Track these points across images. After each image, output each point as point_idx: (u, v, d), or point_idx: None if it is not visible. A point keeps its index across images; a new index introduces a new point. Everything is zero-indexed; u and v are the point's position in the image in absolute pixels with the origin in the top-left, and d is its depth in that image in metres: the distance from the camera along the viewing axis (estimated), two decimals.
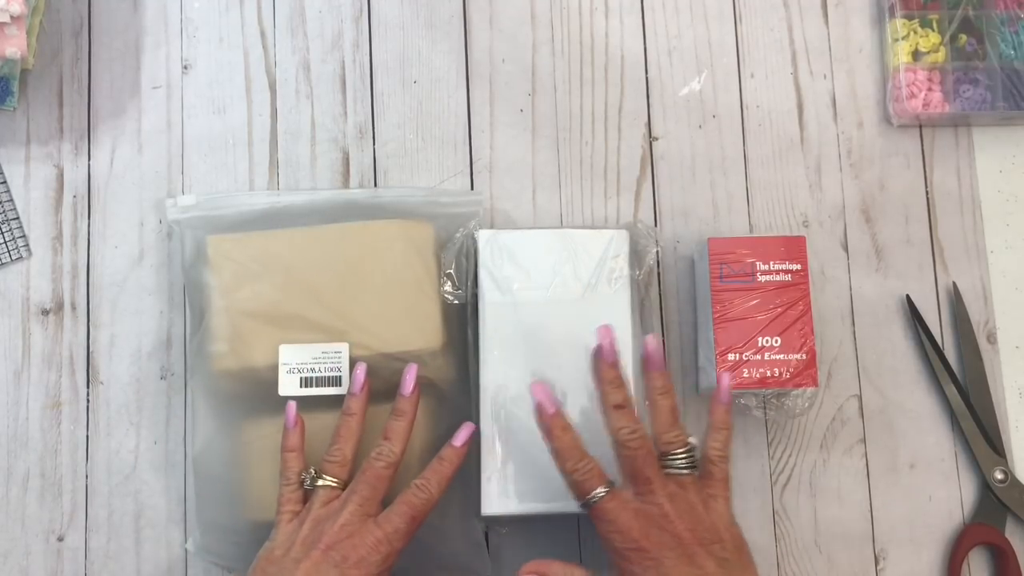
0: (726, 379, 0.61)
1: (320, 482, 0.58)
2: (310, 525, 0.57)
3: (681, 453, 0.56)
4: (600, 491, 0.55)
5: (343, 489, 0.58)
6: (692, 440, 0.57)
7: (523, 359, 0.64)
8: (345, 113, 0.72)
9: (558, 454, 0.57)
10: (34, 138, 0.71)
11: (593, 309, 0.64)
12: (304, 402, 0.63)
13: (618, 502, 0.55)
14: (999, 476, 0.67)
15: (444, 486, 0.58)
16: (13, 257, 0.69)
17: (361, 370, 0.61)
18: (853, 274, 0.71)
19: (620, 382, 0.57)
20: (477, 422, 0.64)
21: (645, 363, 0.59)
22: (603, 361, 0.58)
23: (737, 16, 0.74)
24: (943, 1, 0.72)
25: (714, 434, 0.58)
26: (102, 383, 0.68)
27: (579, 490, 0.56)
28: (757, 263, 0.65)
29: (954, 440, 0.69)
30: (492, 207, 0.71)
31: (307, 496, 0.59)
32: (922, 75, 0.71)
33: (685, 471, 0.56)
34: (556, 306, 0.65)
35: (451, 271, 0.66)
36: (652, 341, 0.58)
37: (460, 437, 0.60)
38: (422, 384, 0.64)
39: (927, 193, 0.72)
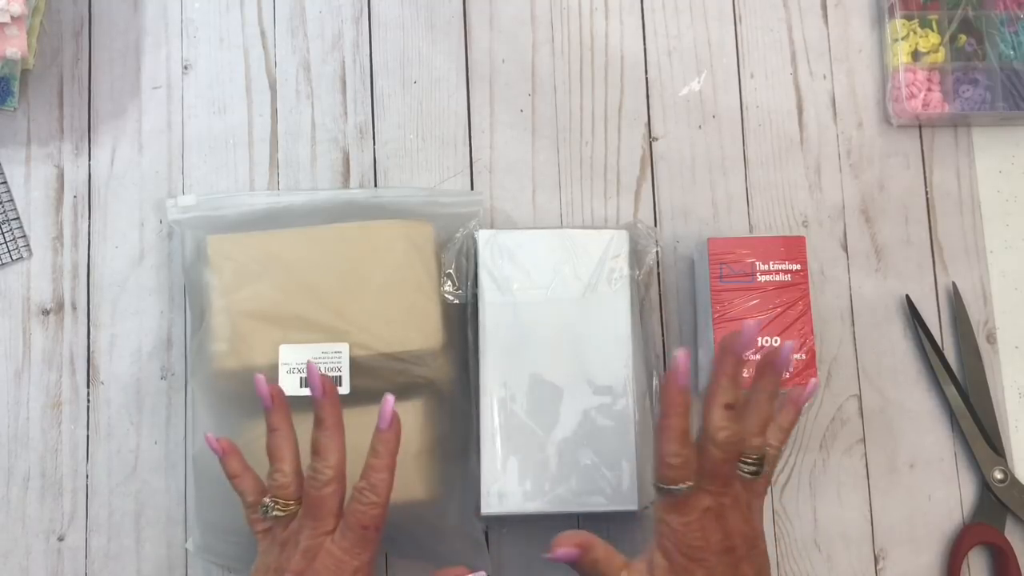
0: (812, 383, 0.59)
1: (275, 513, 0.55)
2: (279, 548, 0.55)
3: (755, 457, 0.54)
4: (687, 485, 0.52)
5: (300, 504, 0.55)
6: (769, 447, 0.56)
7: (523, 359, 0.64)
8: (345, 113, 0.72)
9: (666, 432, 0.53)
10: (34, 138, 0.71)
11: (593, 309, 0.64)
12: (304, 402, 0.63)
13: (696, 499, 0.52)
14: (999, 476, 0.67)
15: (389, 479, 0.54)
16: (13, 257, 0.69)
17: (263, 385, 0.56)
18: (853, 274, 0.71)
19: (739, 382, 0.53)
20: (477, 422, 0.64)
21: (772, 364, 0.55)
22: (732, 354, 0.53)
23: (737, 16, 0.74)
24: (943, 1, 0.72)
25: (780, 434, 0.57)
26: (102, 383, 0.68)
27: (667, 476, 0.52)
28: (757, 263, 0.65)
29: (954, 440, 0.69)
30: (492, 207, 0.71)
31: None
32: (922, 75, 0.71)
33: (748, 476, 0.54)
34: (556, 306, 0.65)
35: (451, 271, 0.66)
36: (786, 346, 0.55)
37: (383, 419, 0.54)
38: (422, 384, 0.64)
39: (927, 193, 0.72)
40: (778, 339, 0.64)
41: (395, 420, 0.54)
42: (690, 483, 0.52)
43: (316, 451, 0.54)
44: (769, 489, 0.67)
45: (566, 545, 0.54)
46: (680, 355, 0.53)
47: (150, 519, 0.67)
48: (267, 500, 0.55)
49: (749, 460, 0.54)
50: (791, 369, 0.56)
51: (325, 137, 0.72)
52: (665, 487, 0.53)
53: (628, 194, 0.71)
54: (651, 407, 0.66)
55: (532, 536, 0.66)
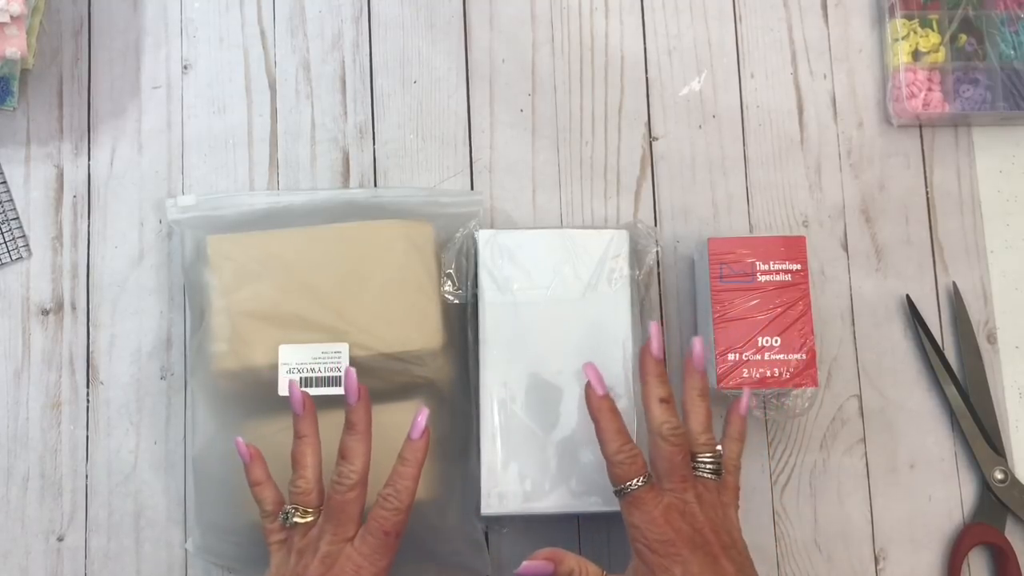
0: (747, 394, 0.61)
1: (295, 519, 0.56)
2: (295, 557, 0.55)
3: (710, 457, 0.56)
4: (640, 480, 0.54)
5: (319, 513, 0.56)
6: (719, 447, 0.58)
7: (523, 359, 0.64)
8: (345, 113, 0.72)
9: (603, 435, 0.56)
10: (34, 138, 0.71)
11: (593, 309, 0.64)
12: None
13: (654, 493, 0.55)
14: (999, 476, 0.67)
15: (413, 487, 0.55)
16: (13, 257, 0.69)
17: (296, 390, 0.57)
18: (853, 274, 0.71)
19: (665, 378, 0.58)
20: (477, 422, 0.64)
21: (690, 363, 0.59)
22: (651, 355, 0.58)
23: (737, 16, 0.74)
24: (943, 1, 0.72)
25: (731, 444, 0.59)
26: (102, 383, 0.68)
27: (618, 475, 0.55)
28: (757, 263, 0.65)
29: (954, 440, 0.69)
30: (492, 207, 0.71)
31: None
32: (922, 75, 0.71)
33: (710, 476, 0.56)
34: (556, 306, 0.65)
35: (451, 271, 0.66)
36: (699, 344, 0.59)
37: (416, 429, 0.56)
38: (422, 384, 0.64)
39: (927, 193, 0.72)
40: (779, 339, 0.64)
41: (427, 432, 0.56)
42: (642, 478, 0.54)
43: (344, 455, 0.56)
44: (770, 488, 0.67)
45: (537, 559, 0.55)
46: (587, 369, 0.57)
47: (150, 519, 0.67)
48: (288, 507, 0.56)
49: (705, 459, 0.56)
50: (704, 363, 0.59)
51: (325, 137, 0.72)
52: (619, 487, 0.55)
53: (628, 194, 0.71)
54: None
55: (532, 536, 0.66)
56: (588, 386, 0.57)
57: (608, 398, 0.57)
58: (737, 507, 0.57)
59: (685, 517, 0.54)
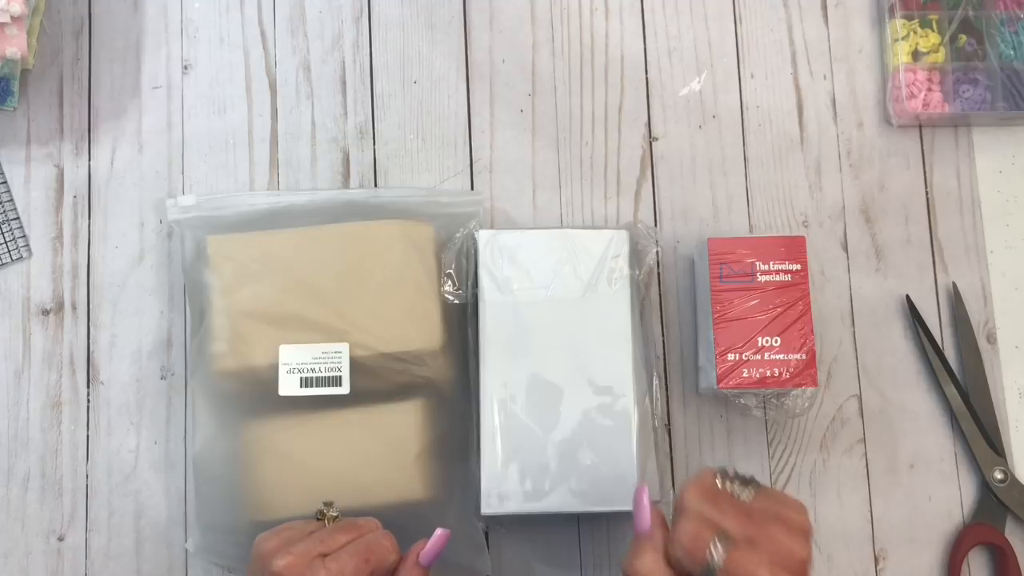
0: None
1: None
2: None
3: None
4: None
5: None
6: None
7: (523, 359, 0.64)
8: (345, 113, 0.72)
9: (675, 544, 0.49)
10: (34, 138, 0.71)
11: (593, 309, 0.64)
12: (304, 402, 0.63)
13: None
14: (999, 476, 0.67)
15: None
16: (13, 257, 0.69)
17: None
18: (853, 274, 0.71)
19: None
20: (477, 422, 0.64)
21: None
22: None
23: (737, 16, 0.74)
24: (943, 1, 0.72)
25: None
26: (102, 383, 0.68)
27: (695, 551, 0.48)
28: (757, 263, 0.65)
29: (954, 440, 0.69)
30: (492, 207, 0.71)
31: None
32: (922, 75, 0.71)
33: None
34: (556, 306, 0.65)
35: (451, 271, 0.66)
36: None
37: (427, 556, 0.54)
38: (422, 384, 0.64)
39: (927, 193, 0.72)
40: (779, 339, 0.63)
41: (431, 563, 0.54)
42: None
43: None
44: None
45: None
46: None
47: (150, 519, 0.67)
48: None
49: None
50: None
51: (325, 137, 0.72)
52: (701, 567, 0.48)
53: (628, 194, 0.71)
54: (651, 407, 0.66)
55: (532, 536, 0.66)
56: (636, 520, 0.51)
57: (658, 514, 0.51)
58: None
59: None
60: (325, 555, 0.52)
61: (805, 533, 0.50)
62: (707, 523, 0.48)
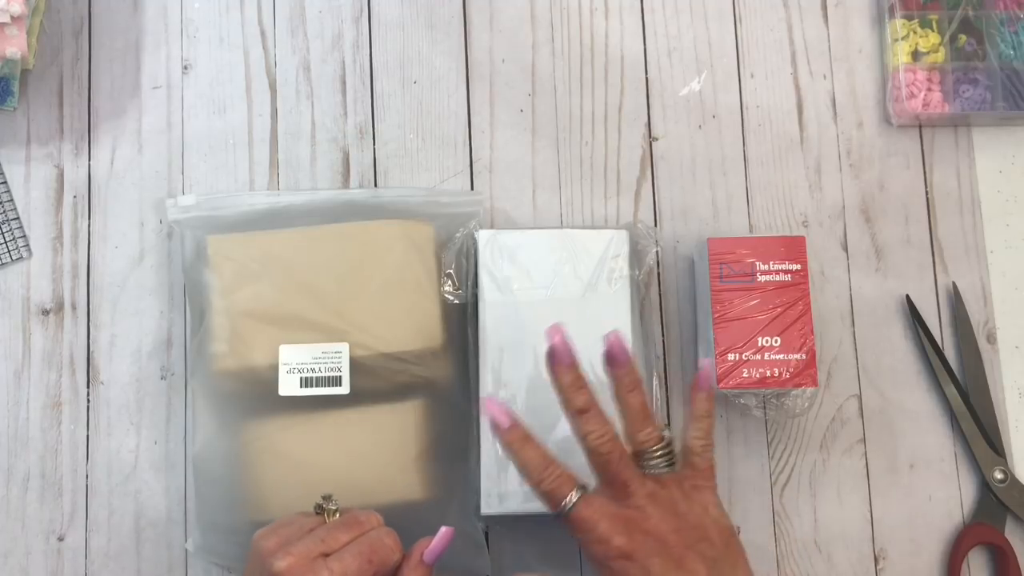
0: (706, 364, 0.58)
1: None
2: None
3: (657, 450, 0.54)
4: (572, 497, 0.52)
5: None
6: (666, 434, 0.55)
7: (523, 359, 0.64)
8: (345, 113, 0.72)
9: (522, 468, 0.54)
10: (34, 138, 0.71)
11: (593, 309, 0.64)
12: (304, 402, 0.63)
13: (594, 508, 0.52)
14: (999, 476, 0.67)
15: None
16: (13, 257, 0.69)
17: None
18: (853, 274, 0.71)
19: (581, 383, 0.54)
20: (477, 422, 0.64)
21: (607, 360, 0.55)
22: (558, 364, 0.54)
23: (737, 16, 0.74)
24: (943, 1, 0.72)
25: (695, 423, 0.56)
26: (102, 383, 0.68)
27: (551, 500, 0.53)
28: (757, 263, 0.65)
29: (954, 440, 0.69)
30: (492, 207, 0.71)
31: None
32: (922, 75, 0.71)
33: (664, 468, 0.54)
34: (556, 306, 0.65)
35: (451, 271, 0.66)
36: (612, 337, 0.55)
37: (431, 553, 0.54)
38: (422, 384, 0.64)
39: (927, 193, 0.72)
40: (778, 339, 0.64)
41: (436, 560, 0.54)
42: (574, 494, 0.52)
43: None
44: (770, 488, 0.67)
45: None
46: (488, 405, 0.54)
47: (150, 519, 0.67)
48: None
49: (653, 454, 0.54)
50: (624, 355, 0.55)
51: (325, 137, 0.72)
52: (556, 512, 0.53)
53: (628, 194, 0.71)
54: (651, 407, 0.66)
55: (532, 536, 0.66)
56: (492, 422, 0.54)
57: (515, 427, 0.54)
58: (712, 489, 0.54)
59: (636, 524, 0.51)
60: (326, 554, 0.51)
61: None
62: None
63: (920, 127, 0.73)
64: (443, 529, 0.54)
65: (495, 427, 0.54)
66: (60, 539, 0.67)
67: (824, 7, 0.75)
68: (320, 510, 0.55)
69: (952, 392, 0.68)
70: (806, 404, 0.66)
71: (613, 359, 0.55)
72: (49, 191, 0.70)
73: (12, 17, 0.65)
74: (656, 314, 0.70)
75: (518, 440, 0.54)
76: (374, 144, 0.72)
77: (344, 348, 0.63)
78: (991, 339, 0.70)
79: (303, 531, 0.53)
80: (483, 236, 0.66)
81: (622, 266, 0.65)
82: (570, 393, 0.54)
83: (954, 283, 0.70)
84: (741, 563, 0.53)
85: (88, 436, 0.68)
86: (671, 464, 0.54)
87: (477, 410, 0.64)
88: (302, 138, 0.72)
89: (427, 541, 0.53)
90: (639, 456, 0.54)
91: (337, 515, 0.55)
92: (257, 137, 0.72)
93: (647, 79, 0.73)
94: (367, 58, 0.73)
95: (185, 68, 0.72)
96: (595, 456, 0.53)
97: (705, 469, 0.55)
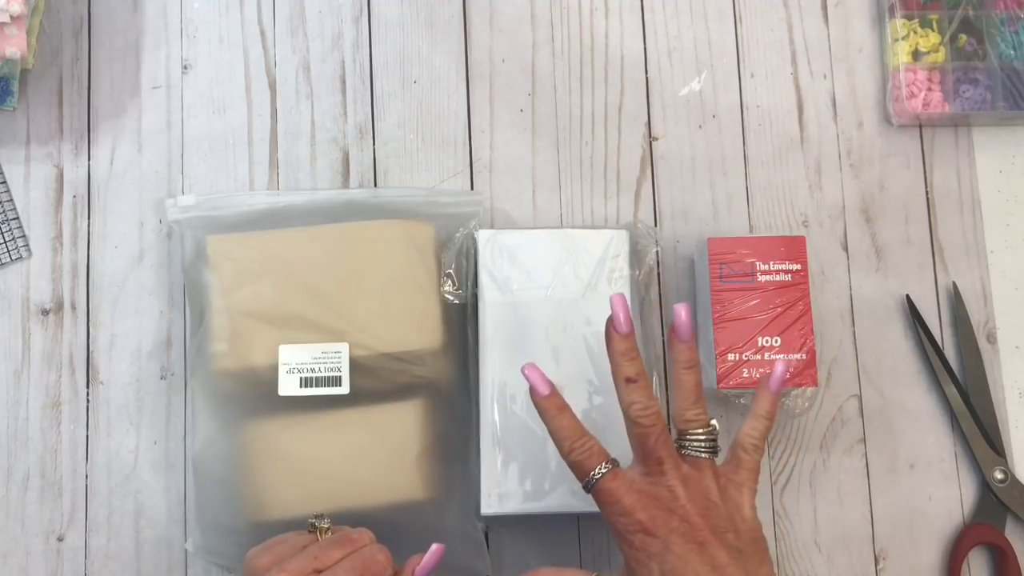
0: (781, 367, 0.57)
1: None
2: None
3: (701, 433, 0.54)
4: (601, 469, 0.52)
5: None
6: (714, 422, 0.55)
7: (523, 359, 0.63)
8: (345, 113, 0.72)
9: (555, 435, 0.55)
10: (34, 138, 0.71)
11: (593, 309, 0.64)
12: (304, 402, 0.63)
13: (621, 481, 0.52)
14: (999, 476, 0.67)
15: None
16: (13, 257, 0.69)
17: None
18: (853, 274, 0.71)
19: (634, 354, 0.55)
20: (477, 422, 0.64)
21: (673, 333, 0.56)
22: (616, 332, 0.55)
23: (737, 16, 0.74)
24: (943, 1, 0.72)
25: (753, 421, 0.55)
26: (102, 383, 0.68)
27: (579, 471, 0.54)
28: (757, 263, 0.65)
29: (954, 440, 0.69)
30: (492, 207, 0.71)
31: None
32: (922, 75, 0.71)
33: (704, 454, 0.54)
34: (556, 306, 0.65)
35: (451, 271, 0.66)
36: (683, 310, 0.55)
37: (423, 568, 0.53)
38: (422, 384, 0.64)
39: (927, 193, 0.72)
40: (779, 339, 0.64)
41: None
42: (603, 465, 0.53)
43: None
44: (770, 488, 0.67)
45: None
46: (527, 372, 0.55)
47: (150, 519, 0.67)
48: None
49: (696, 436, 0.54)
50: (689, 332, 0.56)
51: (325, 137, 0.72)
52: (584, 482, 0.53)
53: (628, 194, 0.71)
54: None
55: (532, 536, 0.66)
56: (532, 388, 0.55)
57: (554, 396, 0.55)
58: (752, 489, 0.54)
59: (663, 502, 0.51)
60: (319, 571, 0.52)
61: None
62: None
63: (920, 127, 0.73)
64: (434, 546, 0.54)
65: (534, 392, 0.55)
66: (60, 539, 0.66)
67: (824, 7, 0.75)
68: (313, 528, 0.55)
69: (952, 392, 0.68)
70: (806, 404, 0.66)
71: (677, 333, 0.56)
72: (49, 191, 0.70)
73: (12, 17, 0.65)
74: (656, 314, 0.70)
75: (555, 407, 0.55)
76: (374, 144, 0.72)
77: (344, 348, 0.63)
78: (991, 339, 0.70)
79: (296, 548, 0.53)
80: (483, 236, 0.66)
81: (622, 266, 0.65)
82: (622, 360, 0.55)
83: (954, 283, 0.70)
84: (767, 562, 0.52)
85: (88, 436, 0.68)
86: (712, 452, 0.54)
87: (477, 410, 0.64)
88: (302, 138, 0.72)
89: (419, 558, 0.54)
90: (681, 436, 0.54)
91: (330, 533, 0.55)
92: (257, 137, 0.71)
93: (647, 79, 0.73)
94: (367, 58, 0.73)
95: (185, 68, 0.72)
96: (636, 427, 0.53)
97: (750, 469, 0.55)
